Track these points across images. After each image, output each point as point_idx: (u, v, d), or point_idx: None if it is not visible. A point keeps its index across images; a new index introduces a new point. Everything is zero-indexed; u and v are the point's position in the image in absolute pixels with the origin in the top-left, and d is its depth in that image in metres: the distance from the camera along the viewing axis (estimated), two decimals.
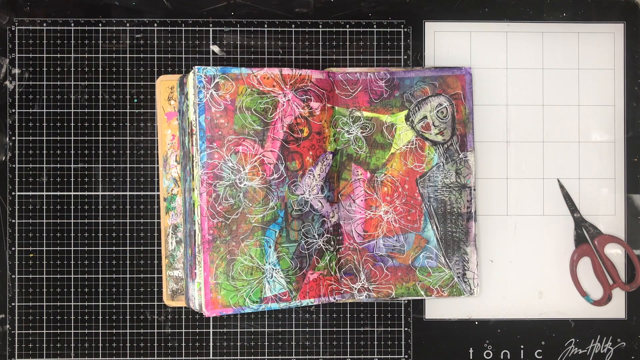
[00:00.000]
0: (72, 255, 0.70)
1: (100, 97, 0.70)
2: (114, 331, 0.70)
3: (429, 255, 0.69)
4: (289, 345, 0.71)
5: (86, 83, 0.70)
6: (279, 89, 0.65)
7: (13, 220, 0.70)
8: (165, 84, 0.69)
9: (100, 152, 0.70)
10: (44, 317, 0.70)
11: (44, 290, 0.70)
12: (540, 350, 0.71)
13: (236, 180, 0.64)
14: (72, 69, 0.70)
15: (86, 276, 0.70)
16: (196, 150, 0.63)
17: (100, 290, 0.70)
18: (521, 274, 0.71)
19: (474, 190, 0.69)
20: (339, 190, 0.69)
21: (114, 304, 0.70)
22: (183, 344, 0.70)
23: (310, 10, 0.71)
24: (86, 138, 0.70)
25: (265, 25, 0.71)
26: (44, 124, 0.70)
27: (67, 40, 0.70)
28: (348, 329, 0.71)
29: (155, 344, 0.70)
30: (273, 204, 0.65)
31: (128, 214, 0.70)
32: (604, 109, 0.72)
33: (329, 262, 0.67)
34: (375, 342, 0.71)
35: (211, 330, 0.71)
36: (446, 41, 0.71)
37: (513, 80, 0.71)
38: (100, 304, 0.70)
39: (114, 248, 0.70)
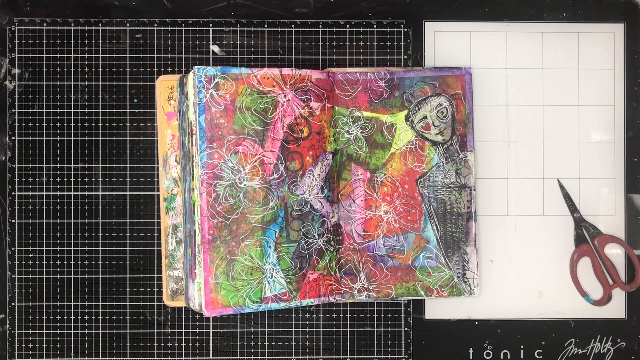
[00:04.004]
0: (72, 255, 0.70)
1: (100, 97, 0.70)
2: (114, 331, 0.70)
3: (429, 255, 0.69)
4: (289, 345, 0.71)
5: (86, 83, 0.70)
6: (279, 89, 0.65)
7: (13, 220, 0.70)
8: (165, 84, 0.69)
9: (100, 152, 0.70)
10: (44, 317, 0.70)
11: (44, 290, 0.70)
12: (540, 350, 0.71)
13: (236, 180, 0.64)
14: (72, 69, 0.70)
15: (86, 276, 0.70)
16: (196, 150, 0.63)
17: (100, 290, 0.70)
18: (521, 274, 0.71)
19: (474, 190, 0.69)
20: (339, 190, 0.69)
21: (114, 304, 0.70)
22: (183, 344, 0.70)
23: (310, 10, 0.71)
24: (86, 138, 0.70)
25: (265, 25, 0.71)
26: (44, 124, 0.70)
27: (67, 40, 0.70)
28: (348, 329, 0.71)
29: (155, 344, 0.70)
30: (273, 204, 0.65)
31: (128, 214, 0.70)
32: (604, 109, 0.72)
33: (329, 262, 0.67)
34: (375, 342, 0.71)
35: (211, 330, 0.71)
36: (446, 41, 0.71)
37: (513, 80, 0.71)
38: (100, 304, 0.70)
39: (114, 248, 0.70)
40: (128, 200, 0.70)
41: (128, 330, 0.70)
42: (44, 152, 0.70)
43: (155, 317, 0.70)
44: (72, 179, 0.70)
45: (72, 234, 0.70)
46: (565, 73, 0.71)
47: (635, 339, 0.71)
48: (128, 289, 0.70)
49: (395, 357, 0.71)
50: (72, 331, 0.70)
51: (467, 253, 0.69)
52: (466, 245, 0.69)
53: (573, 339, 0.71)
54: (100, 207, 0.70)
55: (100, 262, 0.70)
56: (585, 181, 0.71)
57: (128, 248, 0.70)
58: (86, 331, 0.70)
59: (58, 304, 0.70)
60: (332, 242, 0.68)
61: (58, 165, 0.70)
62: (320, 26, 0.71)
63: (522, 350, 0.71)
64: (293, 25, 0.71)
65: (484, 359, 0.71)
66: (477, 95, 0.71)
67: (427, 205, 0.69)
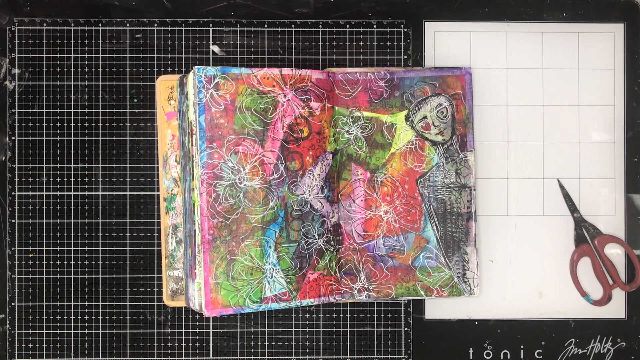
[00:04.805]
0: (72, 255, 0.70)
1: (100, 97, 0.70)
2: (114, 331, 0.70)
3: (429, 255, 0.69)
4: (289, 345, 0.71)
5: (86, 83, 0.70)
6: (279, 89, 0.65)
7: (13, 220, 0.70)
8: (165, 84, 0.69)
9: (100, 152, 0.70)
10: (44, 317, 0.70)
11: (44, 290, 0.70)
12: (540, 350, 0.71)
13: (236, 180, 0.64)
14: (72, 69, 0.70)
15: (86, 276, 0.70)
16: (196, 150, 0.63)
17: (100, 290, 0.70)
18: (521, 274, 0.71)
19: (474, 190, 0.69)
20: (339, 190, 0.69)
21: (114, 304, 0.70)
22: (183, 344, 0.70)
23: (310, 10, 0.71)
24: (86, 138, 0.70)
25: (265, 25, 0.71)
26: (44, 124, 0.70)
27: (67, 40, 0.70)
28: (348, 329, 0.71)
29: (155, 344, 0.70)
30: (273, 204, 0.65)
31: (128, 214, 0.70)
32: (604, 109, 0.72)
33: (329, 262, 0.67)
34: (375, 342, 0.71)
35: (211, 330, 0.71)
36: (446, 41, 0.71)
37: (513, 80, 0.71)
38: (100, 304, 0.70)
39: (114, 248, 0.70)
40: (128, 200, 0.70)
41: (128, 330, 0.70)
42: (44, 152, 0.70)
43: (155, 317, 0.70)
44: (72, 179, 0.70)
45: (72, 234, 0.70)
46: (565, 73, 0.71)
47: (635, 339, 0.71)
48: (128, 289, 0.70)
49: (395, 357, 0.71)
50: (72, 331, 0.70)
51: (467, 253, 0.69)
52: (466, 245, 0.69)
53: (573, 339, 0.71)
54: (100, 207, 0.70)
55: (100, 262, 0.70)
56: (585, 181, 0.71)
57: (128, 248, 0.70)
58: (86, 331, 0.70)
59: (58, 304, 0.70)
60: (332, 242, 0.68)
61: (58, 165, 0.70)
62: (320, 26, 0.71)
63: (522, 350, 0.71)
64: (293, 25, 0.71)
65: (484, 359, 0.71)
66: (477, 95, 0.71)
67: (427, 205, 0.69)
